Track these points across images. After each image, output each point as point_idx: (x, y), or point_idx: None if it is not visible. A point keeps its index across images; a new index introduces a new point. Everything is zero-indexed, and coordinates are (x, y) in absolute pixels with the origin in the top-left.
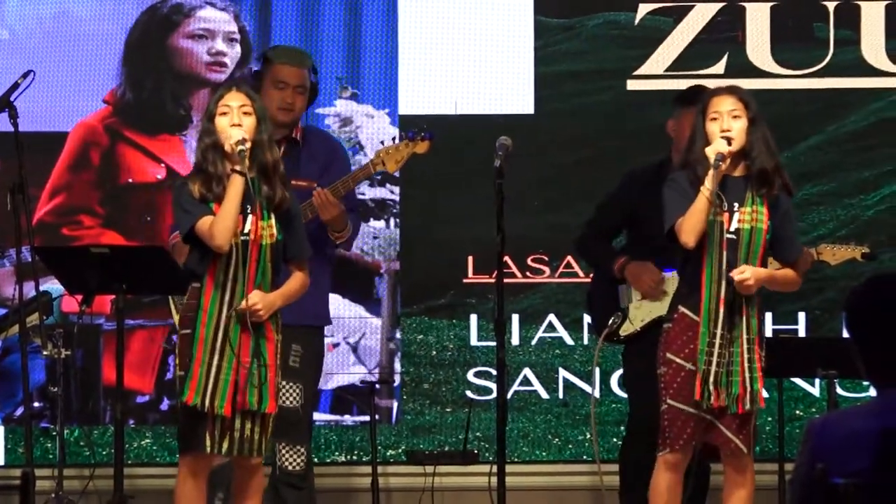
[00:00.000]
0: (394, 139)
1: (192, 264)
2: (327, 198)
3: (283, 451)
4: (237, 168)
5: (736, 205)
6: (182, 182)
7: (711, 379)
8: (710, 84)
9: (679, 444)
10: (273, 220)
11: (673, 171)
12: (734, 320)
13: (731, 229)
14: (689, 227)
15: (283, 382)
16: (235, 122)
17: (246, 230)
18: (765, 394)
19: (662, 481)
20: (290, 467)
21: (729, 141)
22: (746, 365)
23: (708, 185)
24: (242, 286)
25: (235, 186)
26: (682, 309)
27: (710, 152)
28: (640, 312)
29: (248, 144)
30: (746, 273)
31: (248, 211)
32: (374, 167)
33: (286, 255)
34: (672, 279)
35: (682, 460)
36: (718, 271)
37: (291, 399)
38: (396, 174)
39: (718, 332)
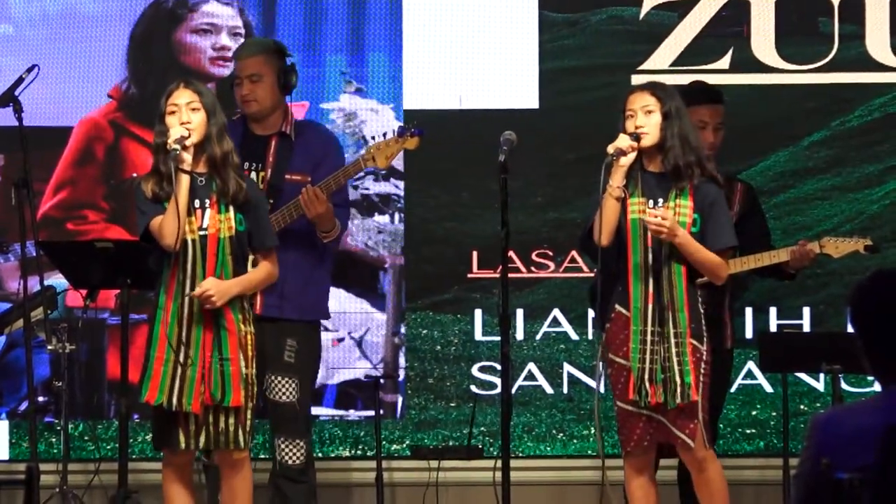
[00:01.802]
0: (384, 135)
1: (153, 264)
2: (315, 194)
3: (282, 446)
4: (181, 166)
5: (660, 200)
6: (138, 182)
7: (646, 376)
8: (715, 79)
9: (631, 444)
10: (231, 213)
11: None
12: (664, 316)
13: None
14: (598, 226)
15: (278, 377)
16: (184, 121)
17: (205, 225)
18: (768, 387)
19: (633, 486)
20: (289, 461)
21: (638, 137)
22: (676, 359)
23: (610, 181)
24: (202, 280)
25: (179, 185)
26: (617, 307)
27: (610, 148)
28: None
29: (192, 139)
30: (666, 214)
31: (206, 206)
32: (364, 163)
33: (251, 245)
34: None
35: (645, 461)
36: (644, 268)
37: (286, 394)
38: (401, 168)
39: (649, 329)
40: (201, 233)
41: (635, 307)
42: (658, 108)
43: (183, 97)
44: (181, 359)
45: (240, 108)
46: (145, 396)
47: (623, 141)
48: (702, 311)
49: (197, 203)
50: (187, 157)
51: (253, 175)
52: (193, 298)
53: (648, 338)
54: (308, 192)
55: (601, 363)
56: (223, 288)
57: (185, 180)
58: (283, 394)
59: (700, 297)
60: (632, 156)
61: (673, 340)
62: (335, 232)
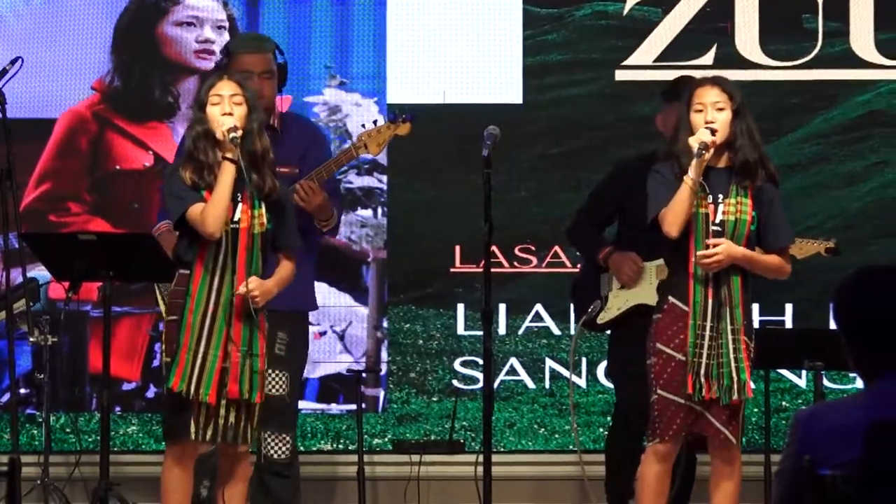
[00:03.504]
0: (375, 122)
1: (181, 251)
2: (310, 188)
3: (269, 440)
4: (228, 156)
5: (721, 196)
6: (173, 169)
7: (703, 371)
8: (698, 75)
9: (669, 434)
10: (263, 209)
11: (657, 163)
12: (721, 312)
13: (717, 221)
14: (673, 218)
15: (269, 370)
16: (227, 111)
17: (236, 218)
18: (750, 384)
19: (651, 471)
20: (275, 455)
21: (713, 132)
22: (733, 356)
23: (691, 174)
24: (231, 274)
25: (227, 174)
26: (671, 299)
27: (693, 142)
28: (618, 301)
29: (240, 132)
30: (719, 248)
31: (238, 199)
32: (356, 150)
33: (275, 244)
34: (652, 269)
35: (672, 451)
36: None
37: (277, 387)
38: (384, 162)
39: (708, 324)
40: (233, 226)
41: (695, 301)
42: (729, 106)
43: (227, 89)
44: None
45: None
46: (171, 383)
47: (706, 135)
48: (751, 308)
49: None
50: (237, 147)
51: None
52: (233, 294)
53: (707, 332)
54: (303, 187)
55: (584, 358)
56: (266, 288)
57: (229, 170)
58: (274, 387)
59: None
60: (713, 150)
61: (730, 337)
62: (333, 220)
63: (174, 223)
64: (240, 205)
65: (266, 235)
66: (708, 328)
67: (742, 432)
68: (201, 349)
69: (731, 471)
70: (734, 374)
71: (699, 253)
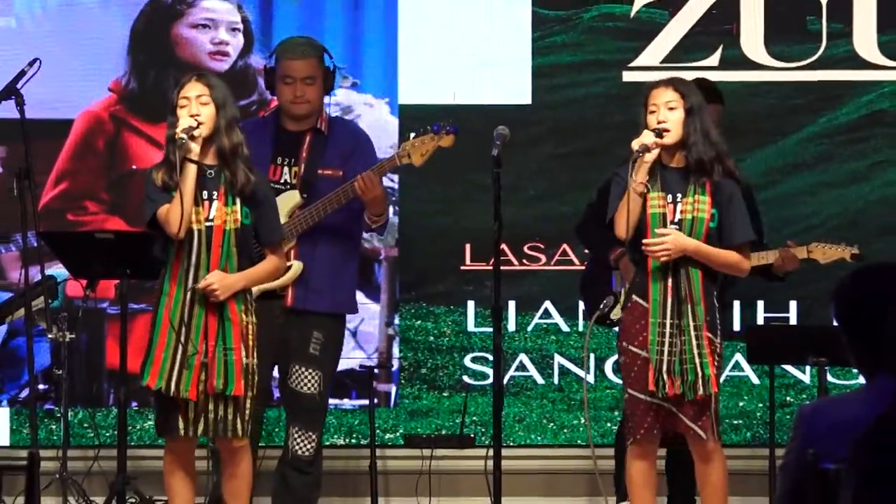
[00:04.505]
0: (421, 131)
1: (157, 251)
2: (370, 179)
3: (296, 436)
4: (188, 156)
5: (679, 195)
6: (149, 171)
7: (665, 368)
8: (705, 76)
9: (641, 432)
10: (238, 206)
11: (620, 166)
12: (682, 309)
13: (675, 220)
14: (620, 219)
15: (302, 368)
16: (194, 113)
17: (211, 216)
18: (755, 379)
19: (634, 469)
20: (299, 452)
21: (661, 133)
22: (696, 351)
23: (635, 176)
24: (206, 271)
25: (185, 174)
26: (634, 298)
27: (634, 144)
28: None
29: (201, 132)
30: (666, 238)
31: (214, 197)
32: (399, 159)
33: (258, 240)
34: None
35: (649, 448)
36: (664, 262)
37: (310, 386)
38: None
39: (668, 321)
40: (207, 224)
41: (654, 300)
42: (681, 105)
43: (194, 90)
44: (183, 342)
45: (283, 105)
46: (146, 381)
47: (647, 137)
48: (716, 304)
49: (205, 194)
50: (194, 147)
51: (285, 170)
52: (193, 289)
53: (667, 330)
54: (364, 179)
55: (592, 354)
56: (228, 282)
57: (191, 170)
58: (306, 385)
59: None
60: (656, 152)
61: (692, 333)
62: (384, 217)
63: (147, 224)
64: (216, 202)
65: (241, 232)
66: (668, 325)
67: (717, 426)
68: (180, 345)
69: (708, 468)
70: (698, 370)
71: (645, 241)
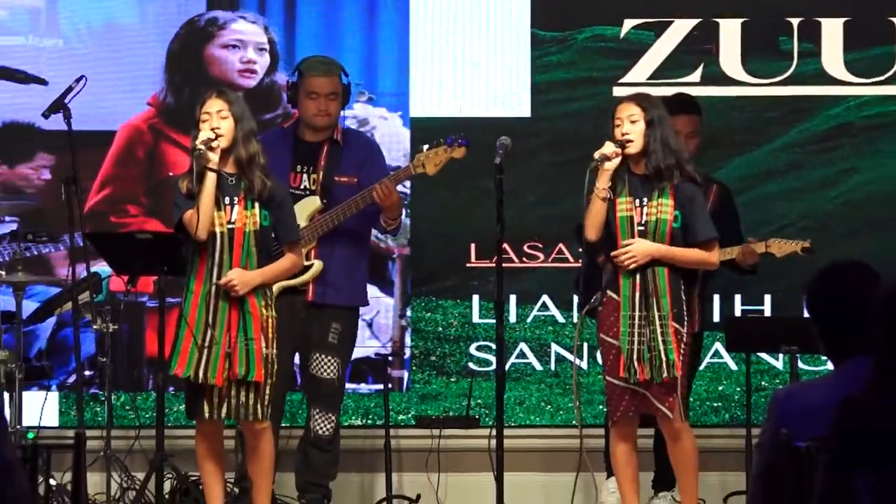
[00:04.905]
0: (434, 143)
1: (186, 251)
2: (388, 187)
3: (316, 417)
4: (208, 166)
5: (645, 199)
6: (175, 180)
7: (635, 356)
8: (687, 92)
9: (618, 414)
10: (257, 209)
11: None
12: (649, 302)
13: (642, 222)
14: (588, 224)
15: (322, 356)
16: (214, 126)
17: (232, 219)
18: (732, 365)
19: (616, 450)
20: (320, 431)
21: (623, 144)
22: (661, 339)
23: (597, 183)
24: (228, 269)
25: (205, 182)
26: (609, 293)
27: (596, 154)
28: None
29: (220, 143)
30: (631, 247)
31: (235, 202)
32: (414, 169)
33: (277, 237)
34: None
35: (628, 429)
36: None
37: (329, 371)
38: None
39: (637, 313)
40: (229, 226)
41: (624, 294)
42: (642, 117)
43: (214, 106)
44: (198, 337)
45: (305, 118)
46: (174, 370)
47: (608, 148)
48: (683, 297)
49: (227, 200)
50: (213, 157)
51: (304, 177)
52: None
53: (636, 322)
54: (382, 187)
55: (584, 343)
56: (247, 278)
57: (210, 178)
58: (326, 371)
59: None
60: (616, 161)
61: (658, 323)
62: (398, 220)
63: (174, 228)
64: (236, 207)
65: (260, 233)
66: (637, 317)
67: (686, 408)
68: (208, 337)
69: (676, 447)
70: (663, 356)
71: (612, 253)
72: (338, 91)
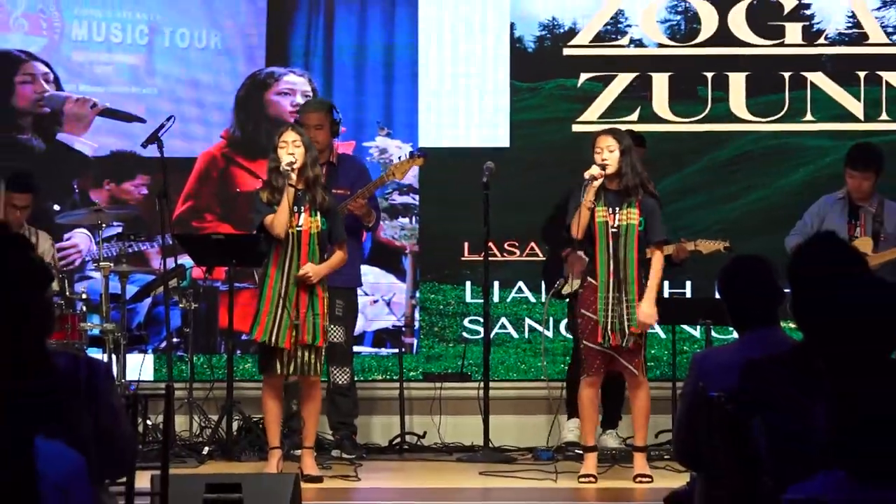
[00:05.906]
0: (399, 158)
1: (264, 247)
2: (357, 203)
3: (335, 371)
4: (289, 182)
5: (617, 209)
6: (257, 192)
7: (608, 327)
8: (627, 128)
9: (592, 370)
10: (318, 217)
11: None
12: (621, 286)
13: (615, 226)
14: (575, 225)
15: (332, 326)
16: (290, 152)
17: (300, 223)
18: (662, 334)
19: (584, 394)
20: (339, 381)
21: (604, 167)
22: (627, 315)
23: (586, 196)
24: (297, 261)
25: (286, 194)
26: (589, 279)
27: (586, 174)
28: (576, 282)
29: (297, 165)
30: (647, 320)
31: (302, 210)
32: (387, 177)
33: (330, 239)
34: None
35: (597, 381)
36: (607, 254)
37: (337, 336)
38: (417, 186)
39: (611, 295)
40: (298, 229)
41: (601, 280)
42: (617, 147)
43: (290, 136)
44: (273, 311)
45: None
46: (254, 335)
47: (595, 170)
48: (644, 283)
49: (296, 208)
50: (293, 175)
51: None
52: (293, 272)
53: (610, 301)
54: (353, 202)
55: (551, 318)
56: (318, 270)
57: (290, 191)
58: (335, 336)
59: None
60: (600, 180)
61: (625, 302)
62: (372, 219)
63: (255, 230)
64: (303, 214)
65: (321, 234)
66: (611, 298)
67: (645, 367)
68: (278, 311)
69: (637, 393)
70: (626, 326)
71: (644, 321)
72: (323, 123)
